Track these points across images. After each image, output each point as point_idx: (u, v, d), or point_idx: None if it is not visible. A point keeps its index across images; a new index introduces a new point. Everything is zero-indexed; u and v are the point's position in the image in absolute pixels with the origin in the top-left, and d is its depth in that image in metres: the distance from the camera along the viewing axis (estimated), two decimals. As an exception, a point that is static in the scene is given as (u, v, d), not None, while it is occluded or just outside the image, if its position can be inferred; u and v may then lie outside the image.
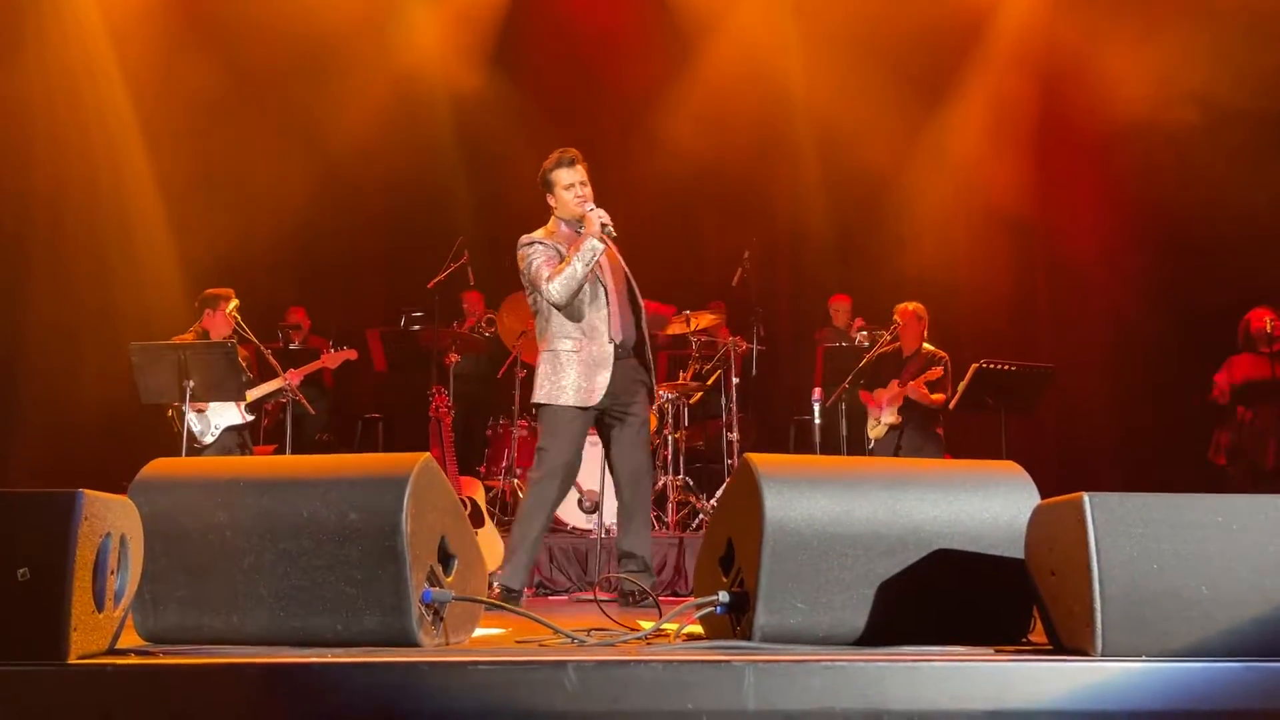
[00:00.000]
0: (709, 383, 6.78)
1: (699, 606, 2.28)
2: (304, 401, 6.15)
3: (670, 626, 2.36)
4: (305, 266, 7.93)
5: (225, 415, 5.79)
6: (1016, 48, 8.01)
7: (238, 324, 5.87)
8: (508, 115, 8.21)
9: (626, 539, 4.25)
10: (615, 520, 5.98)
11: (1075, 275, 8.04)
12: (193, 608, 2.15)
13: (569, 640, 2.25)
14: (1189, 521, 1.93)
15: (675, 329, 6.78)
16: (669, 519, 6.20)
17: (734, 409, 6.61)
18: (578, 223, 4.15)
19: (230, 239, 7.17)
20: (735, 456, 6.44)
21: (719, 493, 6.09)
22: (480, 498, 5.81)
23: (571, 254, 4.03)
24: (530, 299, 4.24)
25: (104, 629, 1.91)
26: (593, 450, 5.56)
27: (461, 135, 8.29)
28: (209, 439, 5.75)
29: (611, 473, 4.37)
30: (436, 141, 8.27)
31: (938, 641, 2.10)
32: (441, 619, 2.22)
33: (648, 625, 2.34)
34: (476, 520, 5.55)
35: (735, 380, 6.63)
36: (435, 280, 6.62)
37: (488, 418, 6.91)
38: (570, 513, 5.99)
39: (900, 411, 6.28)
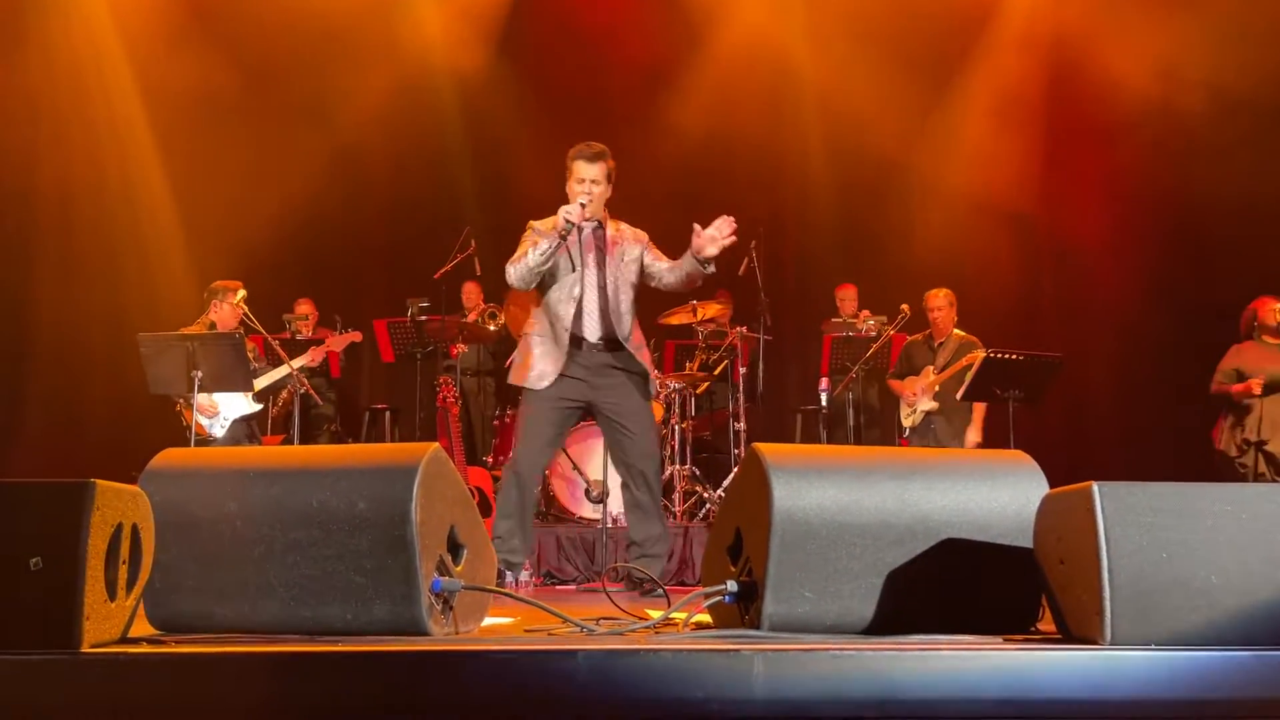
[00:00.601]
0: (715, 373, 6.78)
1: (707, 596, 2.28)
2: (312, 392, 6.16)
3: (679, 616, 2.37)
4: (312, 258, 7.93)
5: (234, 405, 5.81)
6: (1023, 35, 7.98)
7: (245, 315, 5.89)
8: (513, 103, 8.20)
9: (634, 529, 4.28)
10: (623, 511, 6.02)
11: (1082, 263, 8.02)
12: (204, 597, 2.16)
13: (578, 629, 2.25)
14: (1198, 511, 1.92)
15: (682, 319, 6.77)
16: (676, 509, 6.21)
17: (741, 399, 6.61)
18: None
19: (237, 230, 7.18)
20: (742, 446, 6.44)
21: (726, 483, 6.10)
22: (488, 488, 5.83)
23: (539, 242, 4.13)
24: None
25: (116, 618, 1.92)
26: (597, 441, 5.58)
27: (467, 124, 8.27)
28: (218, 430, 5.77)
29: (615, 466, 4.41)
30: (442, 130, 8.27)
31: (946, 631, 2.10)
32: (451, 608, 2.22)
33: (656, 614, 2.34)
34: (485, 510, 5.57)
35: (742, 370, 6.62)
36: (442, 270, 6.62)
37: (495, 408, 6.92)
38: (577, 502, 6.01)
39: (937, 398, 6.28)
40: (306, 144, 7.58)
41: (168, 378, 5.39)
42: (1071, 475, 2.18)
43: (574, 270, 4.20)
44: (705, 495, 6.35)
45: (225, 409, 5.80)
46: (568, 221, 4.05)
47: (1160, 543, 1.90)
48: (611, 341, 4.23)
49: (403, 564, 2.09)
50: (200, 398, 5.58)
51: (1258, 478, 5.92)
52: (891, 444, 6.77)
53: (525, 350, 4.28)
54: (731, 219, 4.10)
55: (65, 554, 1.79)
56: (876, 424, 7.43)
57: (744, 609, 2.25)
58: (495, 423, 6.75)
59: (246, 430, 5.90)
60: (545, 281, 4.22)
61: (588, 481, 5.92)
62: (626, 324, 4.26)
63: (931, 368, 6.35)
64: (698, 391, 6.73)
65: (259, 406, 5.95)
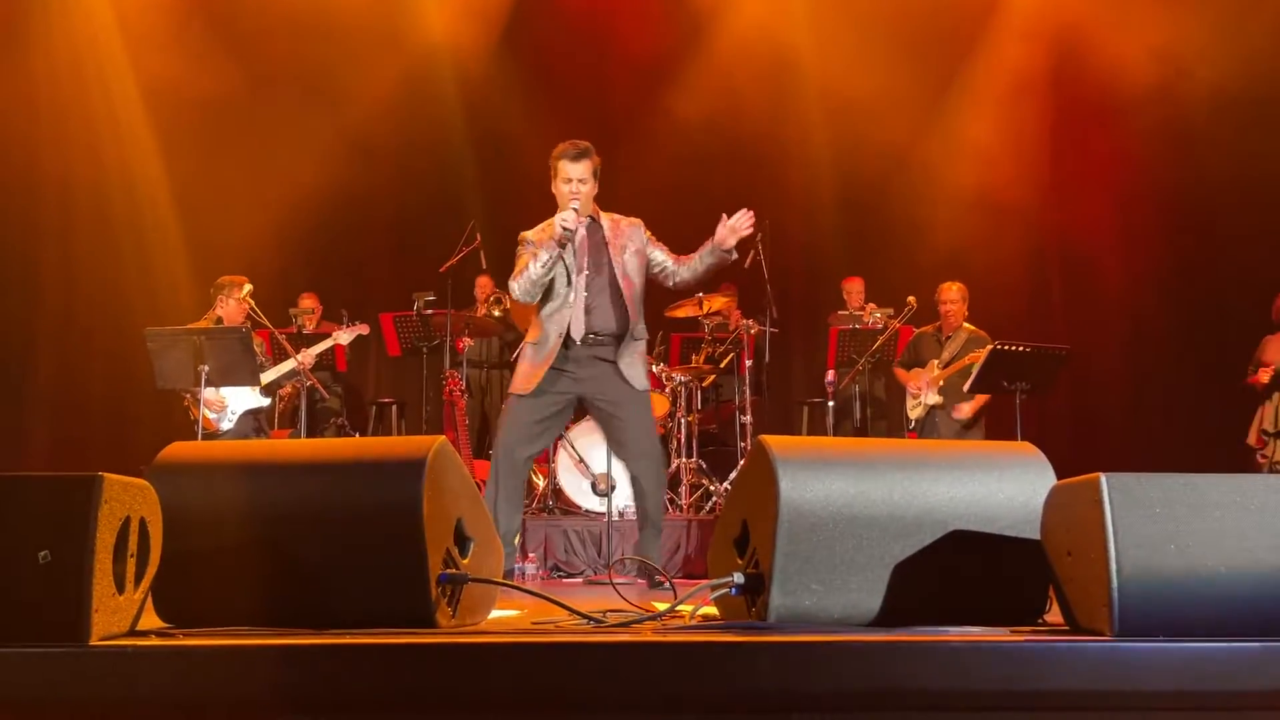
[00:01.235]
0: (721, 365, 6.78)
1: (714, 588, 2.28)
2: (319, 385, 6.17)
3: (685, 608, 2.37)
4: (317, 252, 7.94)
5: (241, 399, 5.83)
6: (1029, 25, 7.95)
7: (251, 309, 5.89)
8: (518, 97, 8.20)
9: (643, 513, 4.29)
10: (629, 504, 6.03)
11: (1089, 253, 8.00)
12: (212, 590, 2.17)
13: (585, 621, 2.26)
14: (1206, 502, 1.92)
15: (687, 311, 6.77)
16: (683, 502, 6.22)
17: (747, 392, 6.61)
18: None
19: (241, 225, 7.19)
20: (748, 439, 6.45)
21: (733, 475, 6.10)
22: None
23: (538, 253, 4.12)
24: None
25: (124, 611, 1.93)
26: (602, 433, 5.58)
27: (472, 118, 8.27)
28: (226, 425, 5.79)
29: (615, 456, 4.43)
30: (447, 124, 8.26)
31: (953, 622, 2.10)
32: (458, 601, 2.23)
33: (663, 607, 2.34)
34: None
35: (748, 363, 6.62)
36: (448, 264, 6.63)
37: (501, 402, 6.92)
38: (584, 496, 6.02)
39: (941, 392, 6.28)
40: (311, 139, 7.59)
41: (175, 372, 5.40)
42: (1079, 467, 2.17)
43: (569, 275, 4.18)
44: (711, 488, 6.35)
45: (232, 403, 5.81)
46: (566, 229, 4.04)
47: (1168, 534, 1.89)
48: (612, 337, 4.22)
49: (410, 556, 2.09)
50: (207, 392, 5.60)
51: (1273, 468, 5.90)
52: (899, 437, 6.77)
53: (521, 359, 4.31)
54: (751, 212, 4.11)
55: (73, 547, 1.79)
56: (883, 416, 7.42)
57: (750, 601, 2.25)
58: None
59: (254, 424, 5.92)
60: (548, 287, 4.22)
61: (594, 475, 5.93)
62: (638, 317, 4.25)
63: (936, 361, 6.34)
64: (704, 384, 6.73)
65: (266, 400, 5.96)
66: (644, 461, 4.24)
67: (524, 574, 5.08)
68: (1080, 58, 7.79)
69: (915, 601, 2.16)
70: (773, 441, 2.24)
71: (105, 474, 1.84)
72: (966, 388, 5.95)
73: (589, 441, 5.93)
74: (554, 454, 6.04)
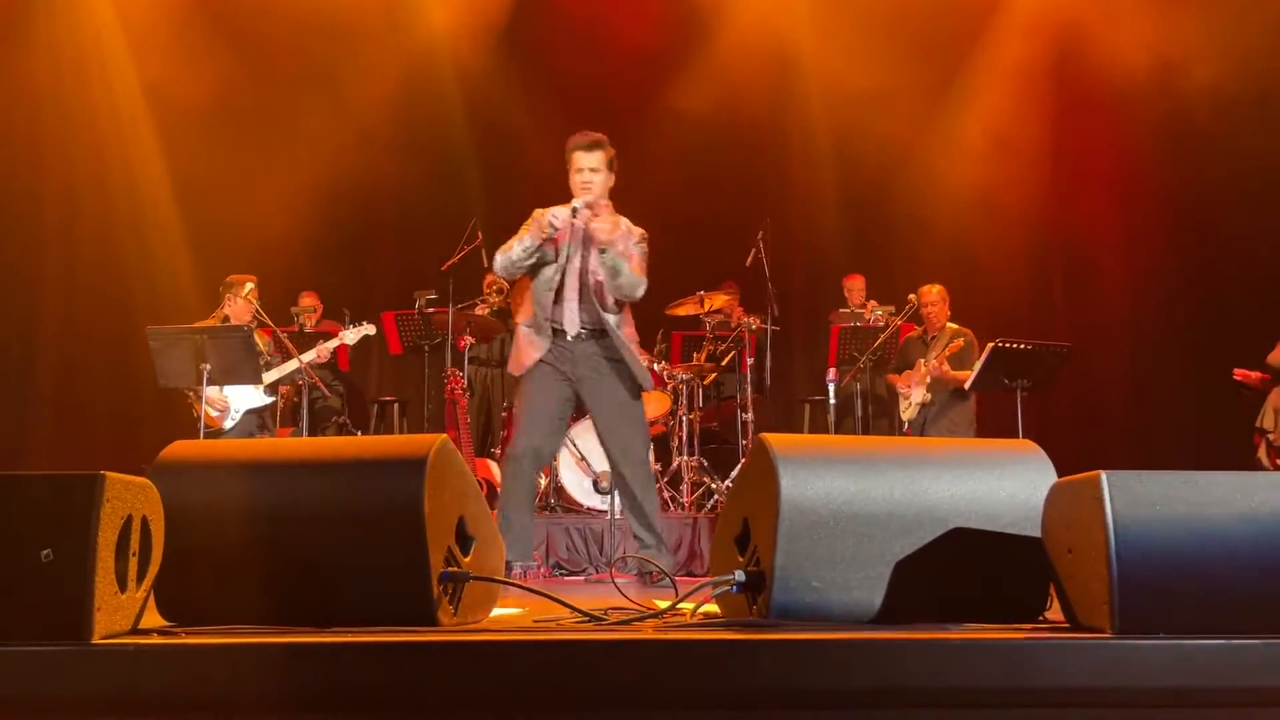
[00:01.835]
0: (723, 363, 6.77)
1: (715, 585, 2.28)
2: (321, 385, 6.17)
3: (686, 606, 2.37)
4: (318, 251, 7.94)
5: (244, 397, 5.83)
6: (1032, 21, 7.94)
7: (257, 309, 5.90)
8: (519, 95, 8.19)
9: (632, 521, 4.30)
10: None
11: (1091, 251, 7.99)
12: (214, 588, 2.17)
13: (586, 619, 2.26)
14: (1207, 499, 1.92)
15: (689, 309, 6.77)
16: (684, 500, 6.22)
17: (748, 390, 6.61)
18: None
19: (242, 224, 7.20)
20: (750, 437, 6.45)
21: (734, 473, 6.10)
22: (496, 480, 5.83)
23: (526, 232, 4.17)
24: None
25: (127, 609, 1.93)
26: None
27: (474, 115, 8.27)
28: (229, 423, 5.79)
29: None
30: (449, 122, 8.26)
31: (954, 620, 2.10)
32: (459, 599, 2.23)
33: (664, 604, 2.35)
34: (493, 502, 5.58)
35: (749, 361, 6.62)
36: (450, 263, 6.62)
37: (503, 400, 6.93)
38: (585, 494, 6.02)
39: (929, 390, 6.29)
40: (312, 138, 7.59)
41: (177, 371, 5.41)
42: (1080, 464, 2.18)
43: (557, 260, 4.21)
44: (713, 486, 6.35)
45: (235, 401, 5.82)
46: (553, 226, 4.09)
47: (1169, 531, 1.89)
48: (596, 332, 4.22)
49: (411, 555, 2.10)
50: (210, 390, 5.61)
51: (1258, 466, 5.91)
52: (899, 435, 6.77)
53: (516, 341, 4.34)
54: None
55: (76, 545, 1.80)
56: (884, 414, 7.42)
57: (751, 598, 2.25)
58: (504, 415, 6.76)
59: (258, 422, 5.92)
60: (535, 271, 4.24)
61: (595, 473, 5.93)
62: (614, 315, 4.24)
63: (923, 361, 6.38)
64: (705, 383, 6.73)
65: (270, 399, 5.96)
66: (624, 463, 4.25)
67: (525, 572, 5.08)
68: (1082, 54, 7.78)
69: (916, 599, 2.16)
70: (774, 439, 2.24)
71: (107, 473, 1.84)
72: (968, 385, 5.97)
73: (590, 440, 5.93)
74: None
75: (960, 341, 6.21)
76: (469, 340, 6.82)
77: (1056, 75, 7.96)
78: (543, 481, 6.20)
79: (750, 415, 6.57)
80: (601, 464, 5.78)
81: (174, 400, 5.87)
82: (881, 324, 6.94)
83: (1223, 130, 7.05)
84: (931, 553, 2.16)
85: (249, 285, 5.93)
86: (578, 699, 1.76)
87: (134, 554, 1.94)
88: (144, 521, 1.98)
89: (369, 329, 6.28)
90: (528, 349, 4.22)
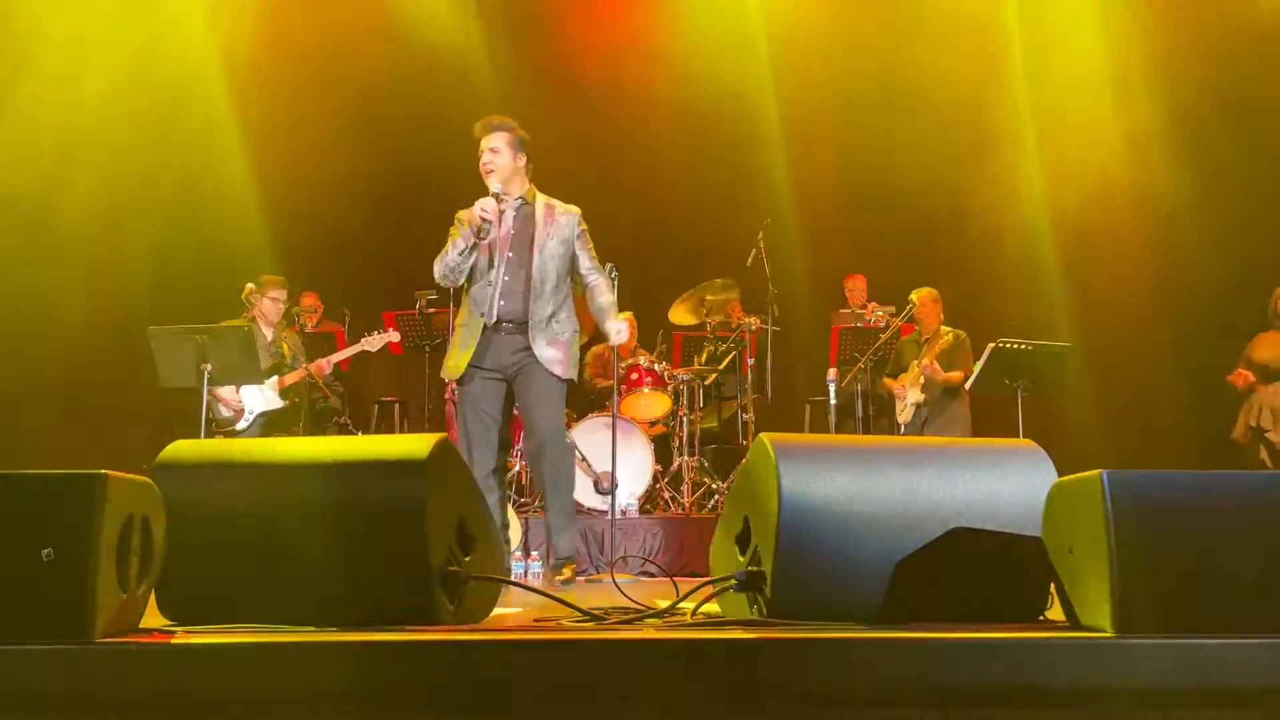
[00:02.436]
0: (723, 364, 6.77)
1: (716, 585, 2.29)
2: (327, 393, 6.18)
3: (687, 605, 2.37)
4: (319, 251, 7.93)
5: (257, 401, 5.83)
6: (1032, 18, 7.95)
7: (288, 310, 5.94)
8: (520, 92, 8.18)
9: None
10: (630, 502, 6.02)
11: (1091, 250, 7.98)
12: (215, 587, 2.17)
13: (587, 619, 2.26)
14: (1207, 498, 1.92)
15: (689, 308, 6.77)
16: (685, 500, 6.22)
17: (749, 390, 6.61)
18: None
19: (241, 222, 7.19)
20: (750, 437, 6.44)
21: (734, 472, 6.10)
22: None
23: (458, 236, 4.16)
24: None
25: (128, 609, 1.93)
26: (604, 432, 5.58)
27: (473, 114, 8.23)
28: (242, 425, 5.79)
29: None
30: (448, 120, 8.20)
31: (955, 619, 2.10)
32: (460, 598, 2.23)
33: (665, 604, 2.35)
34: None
35: (750, 361, 6.62)
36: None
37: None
38: (586, 494, 6.01)
39: (924, 389, 6.30)
40: (311, 136, 7.58)
41: (177, 371, 5.40)
42: (1081, 464, 2.18)
43: (490, 254, 4.18)
44: (714, 486, 6.35)
45: (250, 403, 5.82)
46: (485, 219, 4.06)
47: (1169, 531, 1.89)
48: (523, 325, 4.18)
49: (412, 554, 2.10)
50: (226, 393, 5.63)
51: (1259, 465, 5.92)
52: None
53: (451, 342, 4.30)
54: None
55: (77, 545, 1.80)
56: (885, 414, 7.41)
57: (752, 598, 2.25)
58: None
59: (270, 424, 5.92)
60: (471, 271, 4.21)
61: (596, 474, 5.93)
62: (548, 307, 4.20)
63: (916, 362, 6.39)
64: (705, 383, 6.73)
65: (283, 403, 5.94)
66: (538, 461, 4.26)
67: (525, 571, 5.07)
68: (1077, 50, 7.79)
69: (916, 598, 2.16)
70: (774, 439, 2.24)
71: (109, 472, 1.84)
72: (968, 386, 5.97)
73: (591, 440, 5.93)
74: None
75: (949, 338, 6.22)
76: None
77: (1056, 73, 7.96)
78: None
79: (751, 416, 6.57)
80: (600, 464, 5.78)
81: (175, 400, 5.86)
82: (882, 325, 6.94)
83: (1223, 128, 7.05)
84: (932, 552, 2.16)
85: (249, 285, 5.94)
86: (578, 698, 1.76)
87: (135, 554, 1.94)
88: (145, 521, 1.98)
89: (393, 335, 6.25)
90: (458, 352, 4.18)
